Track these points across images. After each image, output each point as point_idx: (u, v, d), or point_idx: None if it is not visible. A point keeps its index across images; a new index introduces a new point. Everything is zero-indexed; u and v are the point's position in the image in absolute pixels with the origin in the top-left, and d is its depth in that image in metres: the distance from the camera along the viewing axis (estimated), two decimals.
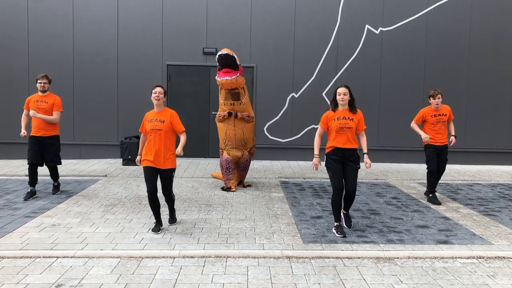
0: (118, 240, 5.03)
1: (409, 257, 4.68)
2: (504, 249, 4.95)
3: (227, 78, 6.98)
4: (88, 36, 10.52)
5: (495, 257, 4.71)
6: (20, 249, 4.67)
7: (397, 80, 10.83)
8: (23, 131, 6.72)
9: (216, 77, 7.19)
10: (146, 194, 6.98)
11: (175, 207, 5.76)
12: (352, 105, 5.32)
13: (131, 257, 4.55)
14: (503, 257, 4.71)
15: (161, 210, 5.49)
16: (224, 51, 7.00)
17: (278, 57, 10.74)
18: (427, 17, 10.71)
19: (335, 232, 5.31)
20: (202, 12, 10.61)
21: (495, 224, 5.92)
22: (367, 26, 10.72)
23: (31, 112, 6.66)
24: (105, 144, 10.67)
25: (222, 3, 10.62)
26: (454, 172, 9.68)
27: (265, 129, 10.82)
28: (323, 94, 10.60)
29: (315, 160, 5.40)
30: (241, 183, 7.92)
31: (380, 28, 10.74)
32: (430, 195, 7.05)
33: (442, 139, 6.93)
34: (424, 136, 6.80)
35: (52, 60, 10.46)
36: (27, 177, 8.16)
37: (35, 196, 6.89)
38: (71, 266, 4.30)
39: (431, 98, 6.90)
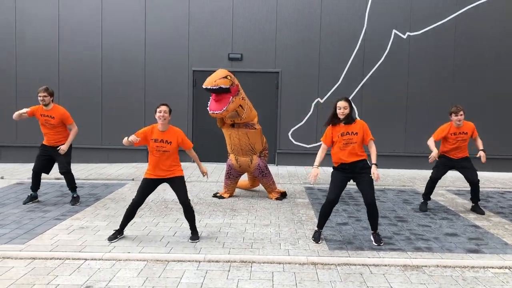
0: (144, 243, 5.09)
1: (437, 266, 4.58)
2: None
3: (217, 112, 6.51)
4: (116, 44, 10.73)
5: None
6: (50, 251, 4.78)
7: (425, 85, 10.65)
8: (23, 111, 6.50)
9: (207, 107, 6.69)
10: (172, 198, 7.13)
11: (195, 219, 5.37)
12: (350, 118, 5.15)
13: (157, 261, 4.59)
14: None
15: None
16: (208, 84, 6.45)
17: (303, 62, 10.72)
18: (456, 21, 10.51)
19: (312, 236, 5.33)
20: (227, 19, 10.69)
21: None
22: (394, 31, 10.60)
23: (61, 150, 6.61)
24: (132, 149, 10.81)
25: (248, 9, 10.67)
26: (484, 180, 9.43)
27: (289, 134, 10.80)
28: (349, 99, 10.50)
29: (314, 171, 5.15)
30: (272, 194, 7.40)
31: (408, 33, 10.60)
32: (422, 201, 6.88)
33: (459, 154, 6.59)
34: (434, 154, 6.41)
35: (82, 68, 10.70)
36: (57, 180, 8.41)
37: (36, 200, 6.90)
38: (99, 268, 4.37)
39: (453, 115, 6.46)
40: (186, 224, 5.71)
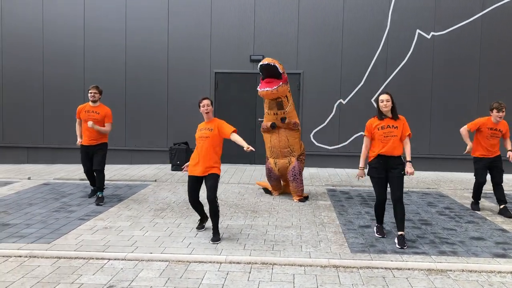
0: (166, 244, 5.13)
1: (463, 270, 4.48)
2: None
3: (268, 89, 6.89)
4: (139, 47, 10.87)
5: None
6: (75, 250, 4.87)
7: (449, 86, 10.45)
8: (80, 140, 7.19)
9: (258, 88, 7.13)
10: None
11: (219, 221, 5.44)
12: (394, 112, 5.31)
13: (179, 261, 4.62)
14: None
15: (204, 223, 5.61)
16: (265, 61, 6.95)
17: (326, 63, 10.65)
18: (482, 21, 10.28)
19: (375, 232, 5.50)
20: (249, 20, 10.72)
21: None
22: (418, 31, 10.44)
23: (90, 124, 6.90)
24: (155, 150, 10.95)
25: (269, 10, 10.67)
26: None
27: (311, 136, 10.74)
28: (372, 100, 10.38)
29: (360, 172, 5.42)
30: (295, 196, 7.37)
31: (432, 33, 10.42)
32: (474, 200, 6.94)
33: (494, 152, 6.64)
34: (469, 147, 6.59)
35: (106, 71, 10.87)
36: (82, 181, 8.58)
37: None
38: (121, 268, 4.43)
39: (494, 111, 6.48)
40: (207, 225, 5.74)
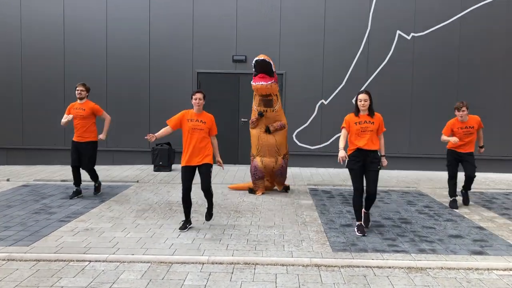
0: (148, 245, 5.10)
1: (442, 268, 4.56)
2: None
3: (262, 83, 7.25)
4: (120, 45, 10.77)
5: None
6: (54, 253, 4.81)
7: (429, 86, 10.61)
8: (66, 120, 7.17)
9: (251, 82, 7.43)
10: (176, 200, 7.17)
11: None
12: (371, 110, 5.63)
13: (161, 262, 4.61)
14: None
15: (193, 209, 5.64)
16: (261, 56, 7.29)
17: (308, 64, 10.71)
18: (461, 22, 10.47)
19: (356, 231, 5.63)
20: (231, 21, 10.71)
21: None
22: (398, 32, 10.57)
23: (101, 138, 7.42)
24: (137, 151, 10.87)
25: (251, 11, 10.68)
26: (489, 181, 9.39)
27: (294, 136, 10.79)
28: (353, 101, 10.45)
29: (341, 153, 5.48)
30: (280, 186, 8.09)
31: (412, 34, 10.57)
32: (451, 199, 7.13)
33: (467, 149, 6.91)
34: (453, 139, 6.73)
35: (86, 70, 10.72)
36: (63, 182, 8.47)
37: (80, 195, 7.42)
38: (103, 270, 4.39)
39: (456, 111, 6.86)
40: (201, 212, 5.74)
